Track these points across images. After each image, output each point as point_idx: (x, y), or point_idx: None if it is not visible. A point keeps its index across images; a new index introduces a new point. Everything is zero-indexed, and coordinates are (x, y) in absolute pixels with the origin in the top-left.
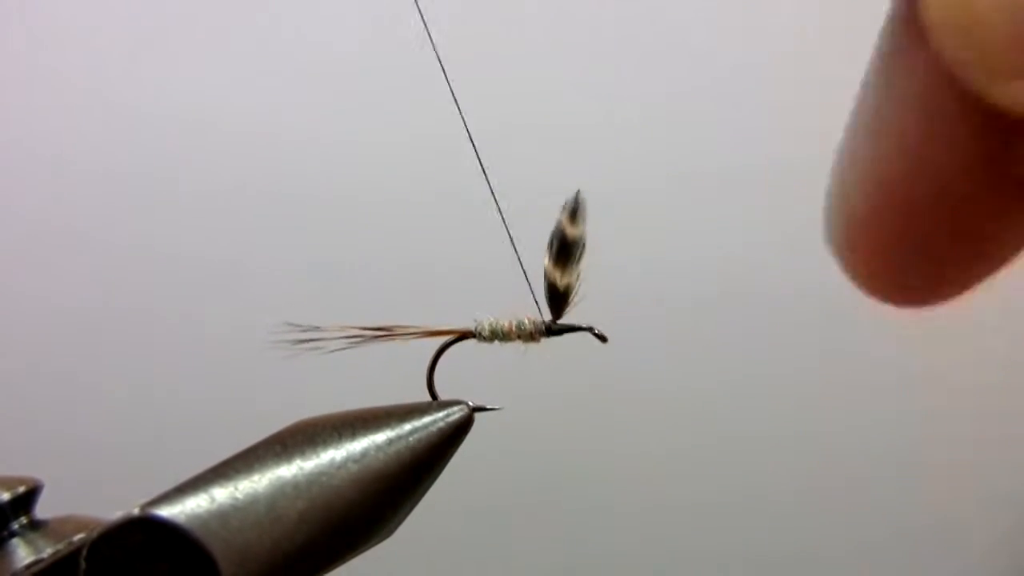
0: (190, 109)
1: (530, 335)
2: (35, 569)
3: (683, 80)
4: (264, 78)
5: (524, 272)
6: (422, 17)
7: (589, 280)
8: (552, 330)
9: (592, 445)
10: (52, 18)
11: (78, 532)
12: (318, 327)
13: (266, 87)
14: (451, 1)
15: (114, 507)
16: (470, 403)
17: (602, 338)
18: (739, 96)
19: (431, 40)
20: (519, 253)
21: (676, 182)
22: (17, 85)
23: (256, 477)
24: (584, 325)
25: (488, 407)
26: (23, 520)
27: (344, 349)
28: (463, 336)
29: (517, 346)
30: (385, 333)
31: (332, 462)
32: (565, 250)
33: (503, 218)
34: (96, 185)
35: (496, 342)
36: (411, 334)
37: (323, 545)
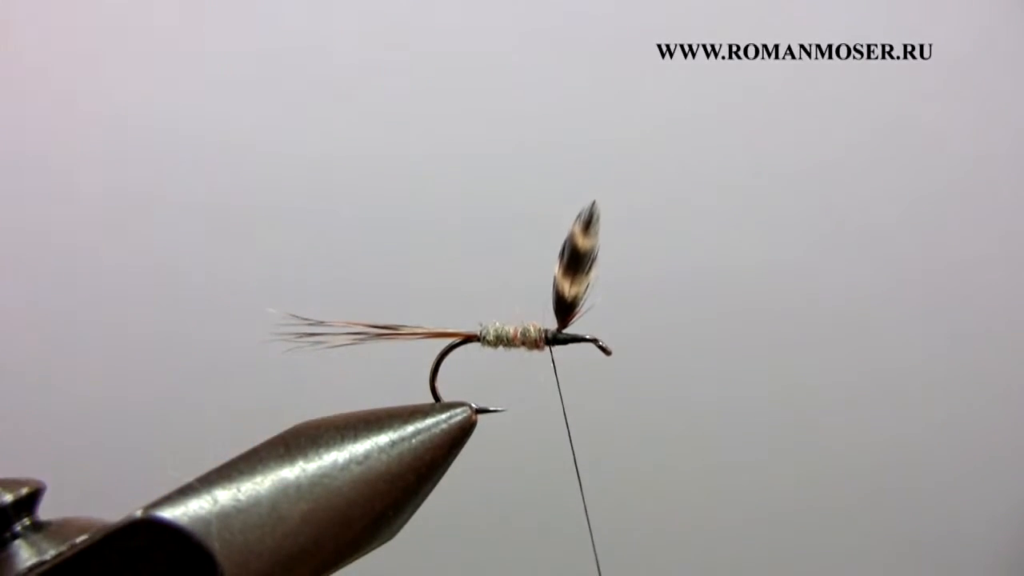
0: (212, 116)
1: (534, 343)
2: (38, 571)
3: (688, 90)
4: (277, 88)
5: None
6: None
7: (597, 290)
8: (557, 339)
9: (595, 447)
10: (41, 26)
11: (81, 534)
12: (323, 321)
13: (280, 96)
14: (468, 10)
15: (117, 509)
16: (473, 405)
17: (606, 351)
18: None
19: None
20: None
21: (680, 193)
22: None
23: (259, 479)
24: (589, 336)
25: (491, 409)
26: (26, 522)
27: (348, 345)
28: (468, 339)
29: (521, 352)
30: (390, 332)
31: (335, 464)
32: (576, 260)
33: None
34: (96, 191)
35: (500, 347)
36: (416, 334)
37: (326, 547)
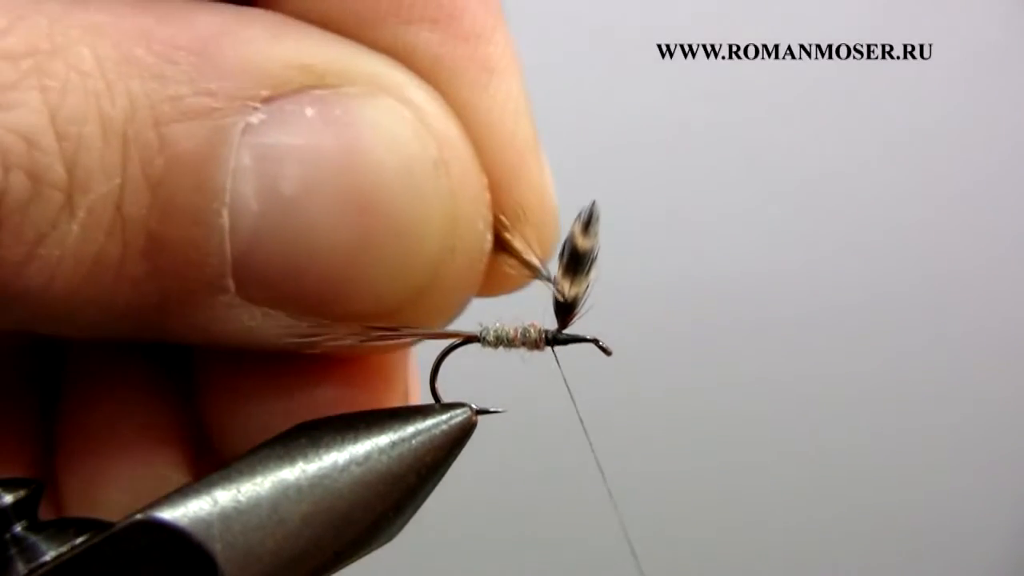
0: None
1: (534, 343)
2: (39, 572)
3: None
4: None
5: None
6: None
7: (598, 290)
8: (557, 340)
9: (595, 447)
10: None
11: (81, 535)
12: (324, 322)
13: None
14: None
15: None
16: (473, 406)
17: (606, 351)
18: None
19: None
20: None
21: (680, 193)
22: None
23: (259, 480)
24: (589, 337)
25: (491, 410)
26: (26, 523)
27: (348, 346)
28: (468, 340)
29: (521, 352)
30: (390, 332)
31: (335, 465)
32: (575, 261)
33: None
34: None
35: (500, 348)
36: (416, 335)
37: (326, 548)
